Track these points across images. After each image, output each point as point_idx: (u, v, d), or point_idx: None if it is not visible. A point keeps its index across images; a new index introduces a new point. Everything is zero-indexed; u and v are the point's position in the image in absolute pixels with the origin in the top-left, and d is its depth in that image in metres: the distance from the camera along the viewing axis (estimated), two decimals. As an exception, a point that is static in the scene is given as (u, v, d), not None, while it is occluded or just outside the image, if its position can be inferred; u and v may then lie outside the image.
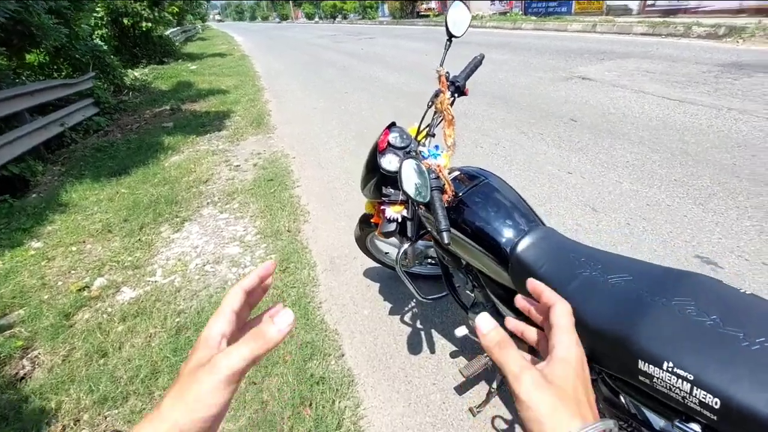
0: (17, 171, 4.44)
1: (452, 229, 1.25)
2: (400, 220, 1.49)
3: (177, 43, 16.99)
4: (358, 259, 2.57)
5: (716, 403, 0.66)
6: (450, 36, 1.39)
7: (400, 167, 1.03)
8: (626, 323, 0.81)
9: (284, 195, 3.60)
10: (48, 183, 4.50)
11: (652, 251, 2.32)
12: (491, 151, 3.93)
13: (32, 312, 2.38)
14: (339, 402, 1.69)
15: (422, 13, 25.61)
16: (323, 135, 5.11)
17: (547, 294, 0.43)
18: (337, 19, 36.20)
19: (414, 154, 1.46)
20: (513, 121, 4.64)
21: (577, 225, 2.64)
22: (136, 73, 10.10)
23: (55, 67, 7.36)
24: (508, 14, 16.30)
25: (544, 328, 0.43)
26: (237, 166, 4.45)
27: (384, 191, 1.51)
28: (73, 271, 2.81)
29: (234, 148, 5.06)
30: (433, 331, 1.99)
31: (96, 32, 10.67)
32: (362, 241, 2.10)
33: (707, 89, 4.75)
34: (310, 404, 1.68)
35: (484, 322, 0.40)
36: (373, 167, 1.48)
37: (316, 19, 42.40)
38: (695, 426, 0.72)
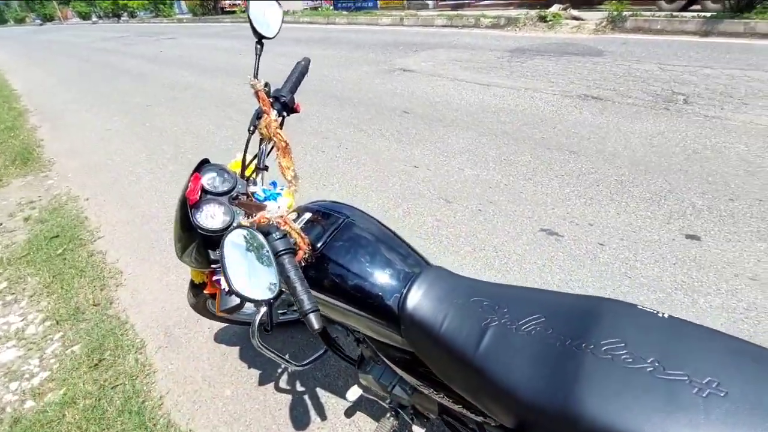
0: None
1: (322, 296, 0.96)
2: (230, 290, 1.12)
3: None
4: (203, 323, 2.07)
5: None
6: (260, 38, 1.08)
7: (222, 256, 0.68)
8: (561, 391, 0.66)
9: (79, 255, 2.73)
10: None
11: (506, 233, 2.46)
12: (335, 155, 3.74)
13: None
14: None
15: (227, 9, 24.00)
16: (126, 163, 4.15)
17: None
18: (122, 18, 31.23)
19: (241, 200, 1.11)
20: (349, 119, 4.55)
21: (436, 221, 2.65)
22: None
23: None
24: (320, 9, 16.48)
25: None
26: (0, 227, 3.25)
27: (212, 256, 1.13)
28: None
29: (-12, 200, 3.71)
30: (318, 390, 1.68)
31: None
32: (201, 307, 1.64)
33: (505, 73, 5.50)
34: None
35: None
36: (188, 227, 1.07)
37: (94, 18, 35.76)
38: None
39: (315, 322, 0.74)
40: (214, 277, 1.18)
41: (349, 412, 1.58)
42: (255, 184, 1.13)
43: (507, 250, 2.32)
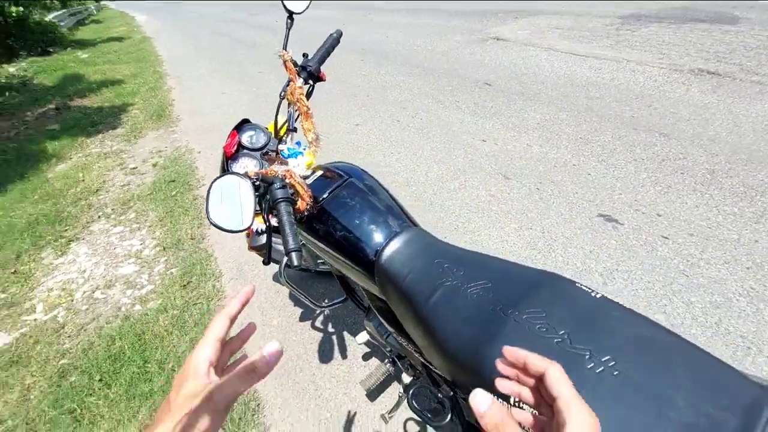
0: None
1: (316, 241, 1.10)
2: (266, 230, 1.31)
3: (64, 29, 14.97)
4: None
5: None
6: (290, 13, 1.19)
7: (208, 191, 0.84)
8: (477, 346, 0.72)
9: (187, 197, 3.27)
10: None
11: (559, 215, 2.35)
12: (408, 124, 3.81)
13: None
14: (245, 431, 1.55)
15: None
16: (233, 124, 4.70)
17: (532, 360, 0.40)
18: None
19: (269, 155, 1.28)
20: (430, 90, 4.53)
21: (490, 195, 2.61)
22: (11, 69, 8.77)
23: None
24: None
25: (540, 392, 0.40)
26: (134, 168, 3.99)
27: None
28: (-73, 323, 2.37)
29: (131, 147, 4.53)
30: (345, 333, 1.88)
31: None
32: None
33: (609, 42, 4.91)
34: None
35: (480, 400, 0.37)
36: None
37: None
38: None
39: (295, 259, 0.88)
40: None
41: (366, 357, 1.76)
42: (284, 143, 1.29)
43: (555, 232, 2.23)
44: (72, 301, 2.41)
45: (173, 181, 3.57)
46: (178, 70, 7.98)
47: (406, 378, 1.33)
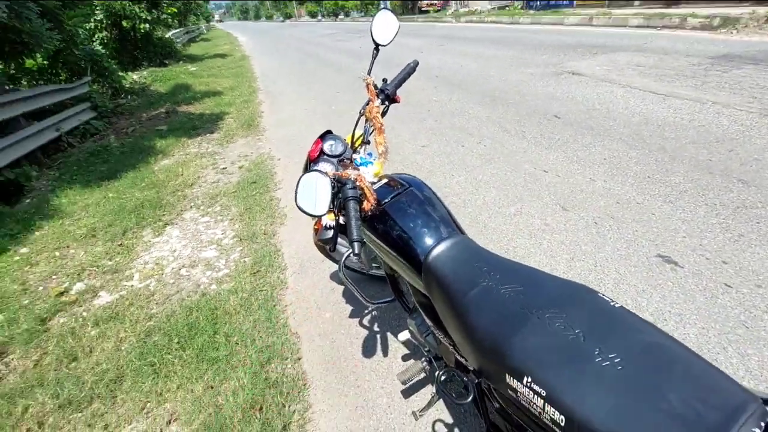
0: (12, 176, 4.53)
1: (375, 239, 1.26)
2: (335, 226, 1.49)
3: (179, 45, 17.08)
4: (327, 263, 2.59)
5: (562, 421, 0.67)
6: (376, 45, 1.39)
7: (297, 182, 1.04)
8: (501, 337, 0.82)
9: (265, 198, 3.63)
10: (42, 188, 4.59)
11: (615, 250, 2.30)
12: (472, 149, 3.91)
13: (9, 317, 2.45)
14: (289, 406, 1.72)
15: (423, 9, 25.45)
16: (311, 137, 5.11)
17: None
18: (339, 17, 36.08)
19: (344, 162, 1.47)
20: (497, 119, 4.60)
21: (545, 225, 2.63)
22: (134, 76, 10.20)
23: (54, 71, 7.47)
24: (507, 8, 16.11)
25: None
26: (223, 168, 4.50)
27: None
28: (54, 276, 2.87)
29: (223, 150, 5.10)
30: (388, 334, 2.00)
31: (96, 35, 10.78)
32: (323, 248, 2.12)
33: (695, 83, 4.66)
34: (261, 408, 1.71)
35: None
36: None
37: (319, 17, 42.31)
38: None
39: (356, 247, 1.04)
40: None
41: (405, 357, 1.86)
42: (358, 153, 1.48)
43: (608, 267, 2.20)
44: (162, 274, 2.79)
45: (255, 182, 3.97)
46: (268, 86, 8.79)
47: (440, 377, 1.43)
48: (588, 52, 7.12)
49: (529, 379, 0.72)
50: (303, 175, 1.05)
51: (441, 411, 1.61)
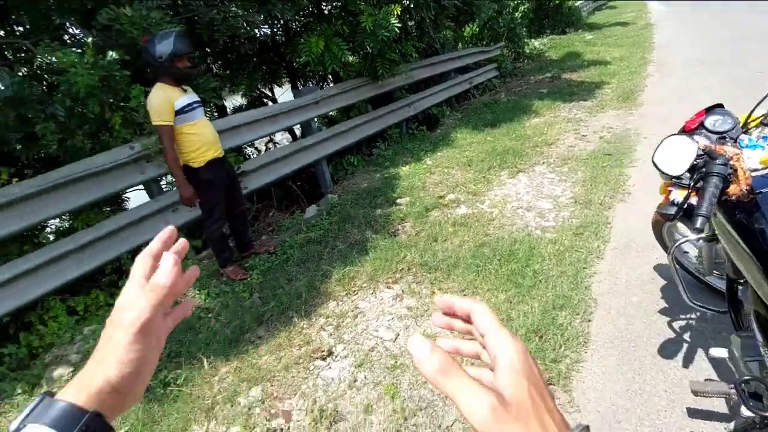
0: (435, 112, 6.24)
1: (731, 229, 1.10)
2: (681, 203, 1.34)
3: (584, 14, 16.53)
4: (657, 251, 2.32)
5: None
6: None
7: (661, 141, 1.04)
8: None
9: (614, 171, 3.44)
10: (448, 124, 6.09)
11: None
12: None
13: (411, 201, 3.66)
14: (563, 349, 1.86)
15: None
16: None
17: (460, 304, 0.36)
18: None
19: (724, 140, 1.27)
20: None
21: None
22: (535, 43, 10.94)
23: (480, 37, 9.14)
24: None
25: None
26: (583, 135, 4.47)
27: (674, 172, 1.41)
28: (439, 184, 3.97)
29: (589, 118, 4.99)
30: (699, 349, 1.70)
31: (520, 7, 12.06)
32: (658, 229, 1.94)
33: None
34: (541, 336, 1.94)
35: (417, 345, 0.31)
36: None
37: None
38: None
39: (699, 221, 1.00)
40: (669, 188, 1.47)
41: (708, 379, 1.56)
42: (749, 133, 1.24)
43: None
44: (504, 208, 3.32)
45: (609, 155, 3.79)
46: (664, 58, 7.42)
47: (744, 413, 1.17)
48: None
49: None
50: (670, 135, 1.05)
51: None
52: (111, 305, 2.79)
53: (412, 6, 4.83)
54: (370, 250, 2.94)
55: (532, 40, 11.28)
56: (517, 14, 10.54)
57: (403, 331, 2.16)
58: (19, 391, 2.06)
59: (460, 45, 8.50)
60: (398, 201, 3.69)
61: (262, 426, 1.72)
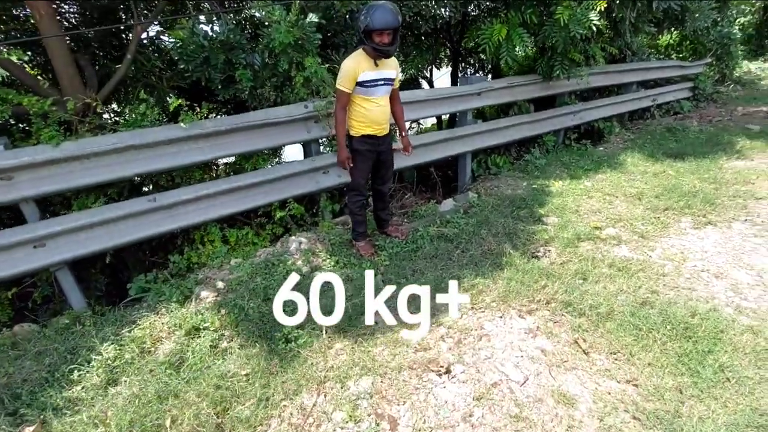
0: (601, 126, 5.38)
1: None
2: None
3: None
4: None
5: None
6: None
7: None
8: None
9: None
10: (616, 143, 5.20)
11: None
12: None
13: (561, 223, 3.17)
14: None
15: None
16: None
17: None
18: None
19: None
20: None
21: None
22: (751, 66, 8.67)
23: (678, 49, 7.56)
24: None
25: None
26: (818, 199, 3.32)
27: None
28: (597, 213, 3.37)
29: (830, 178, 3.70)
30: None
31: (738, 19, 9.66)
32: None
33: None
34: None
35: None
36: None
37: None
38: None
39: None
40: None
41: None
42: None
43: None
44: (682, 264, 2.64)
45: None
46: None
47: None
48: None
49: None
50: None
51: None
52: (256, 244, 3.00)
53: (616, 2, 4.09)
54: (506, 266, 2.62)
55: (747, 61, 8.99)
56: (734, 28, 8.46)
57: (534, 377, 1.84)
58: (175, 299, 2.34)
59: (650, 54, 7.17)
60: (545, 219, 3.24)
61: (369, 423, 1.62)
